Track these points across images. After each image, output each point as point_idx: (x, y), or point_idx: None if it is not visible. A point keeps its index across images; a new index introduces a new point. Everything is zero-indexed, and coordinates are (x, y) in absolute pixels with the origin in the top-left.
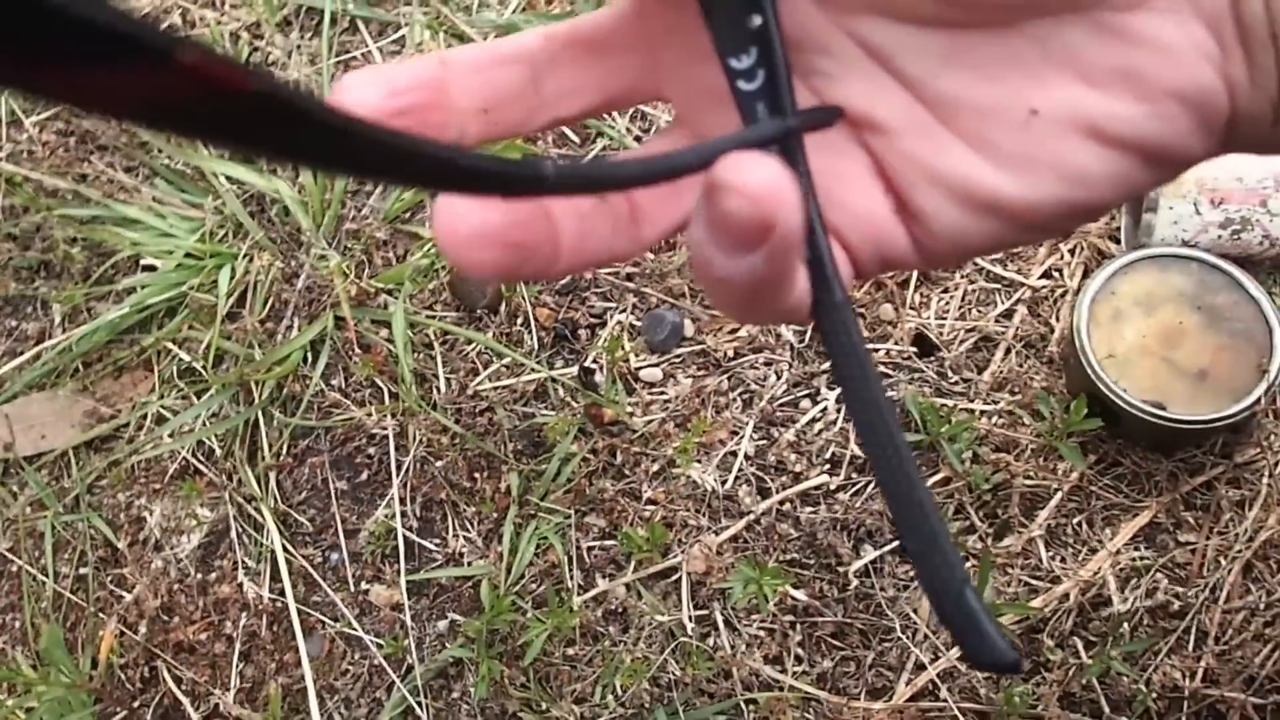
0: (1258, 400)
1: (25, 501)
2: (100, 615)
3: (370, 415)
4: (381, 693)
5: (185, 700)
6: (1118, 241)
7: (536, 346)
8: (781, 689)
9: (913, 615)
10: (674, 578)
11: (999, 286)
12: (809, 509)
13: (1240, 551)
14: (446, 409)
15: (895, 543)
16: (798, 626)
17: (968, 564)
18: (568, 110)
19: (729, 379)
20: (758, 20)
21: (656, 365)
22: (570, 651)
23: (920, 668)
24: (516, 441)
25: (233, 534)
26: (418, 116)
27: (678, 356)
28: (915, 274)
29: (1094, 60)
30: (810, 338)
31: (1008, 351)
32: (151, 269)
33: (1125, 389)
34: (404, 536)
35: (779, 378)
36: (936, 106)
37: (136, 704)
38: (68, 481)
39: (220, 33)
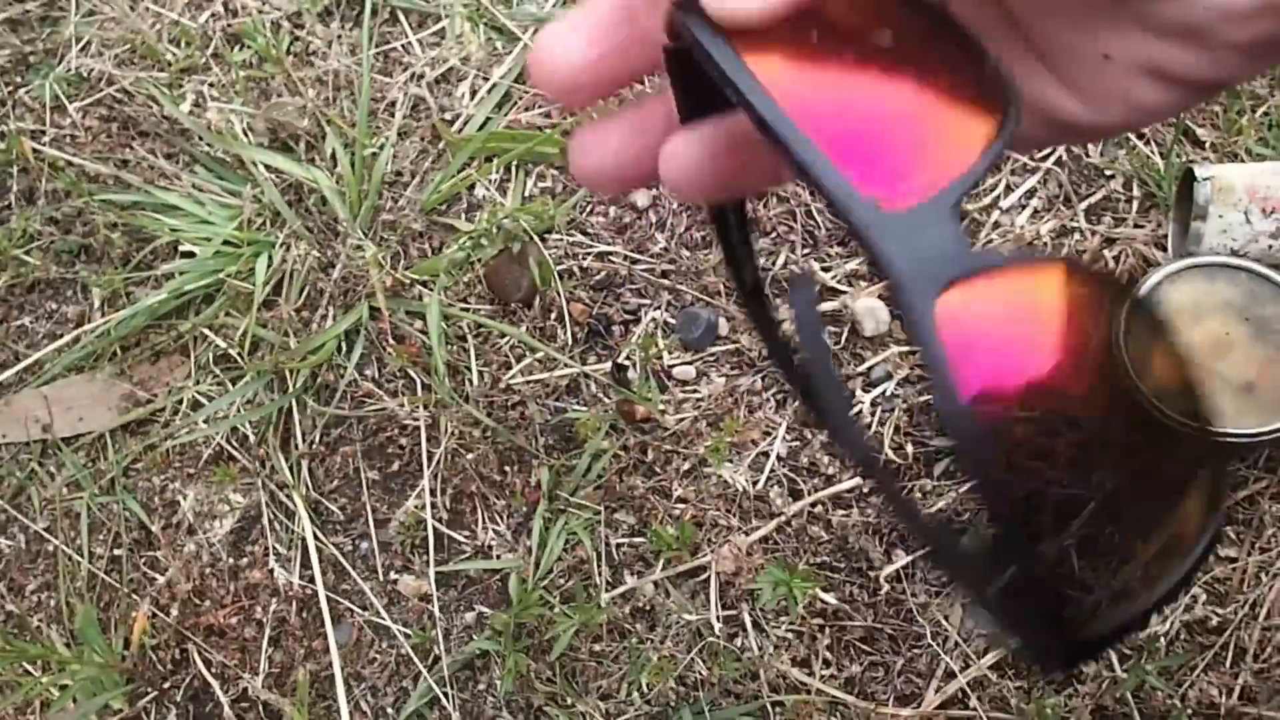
0: None
1: (62, 482)
2: (133, 597)
3: (403, 406)
4: (408, 682)
5: (215, 683)
6: (1164, 249)
7: (570, 342)
8: (809, 692)
9: (944, 622)
10: (703, 577)
11: None
12: (841, 512)
13: None
14: (479, 402)
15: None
16: (827, 630)
17: None
18: None
19: (763, 379)
20: None
21: (690, 363)
22: (597, 648)
23: (950, 675)
24: (548, 436)
25: (264, 520)
26: (621, 56)
27: (711, 355)
28: None
29: (1162, 16)
30: (846, 340)
31: None
32: (190, 255)
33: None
34: (434, 528)
35: None
36: (1033, 43)
37: (167, 685)
38: (104, 464)
39: (261, 22)
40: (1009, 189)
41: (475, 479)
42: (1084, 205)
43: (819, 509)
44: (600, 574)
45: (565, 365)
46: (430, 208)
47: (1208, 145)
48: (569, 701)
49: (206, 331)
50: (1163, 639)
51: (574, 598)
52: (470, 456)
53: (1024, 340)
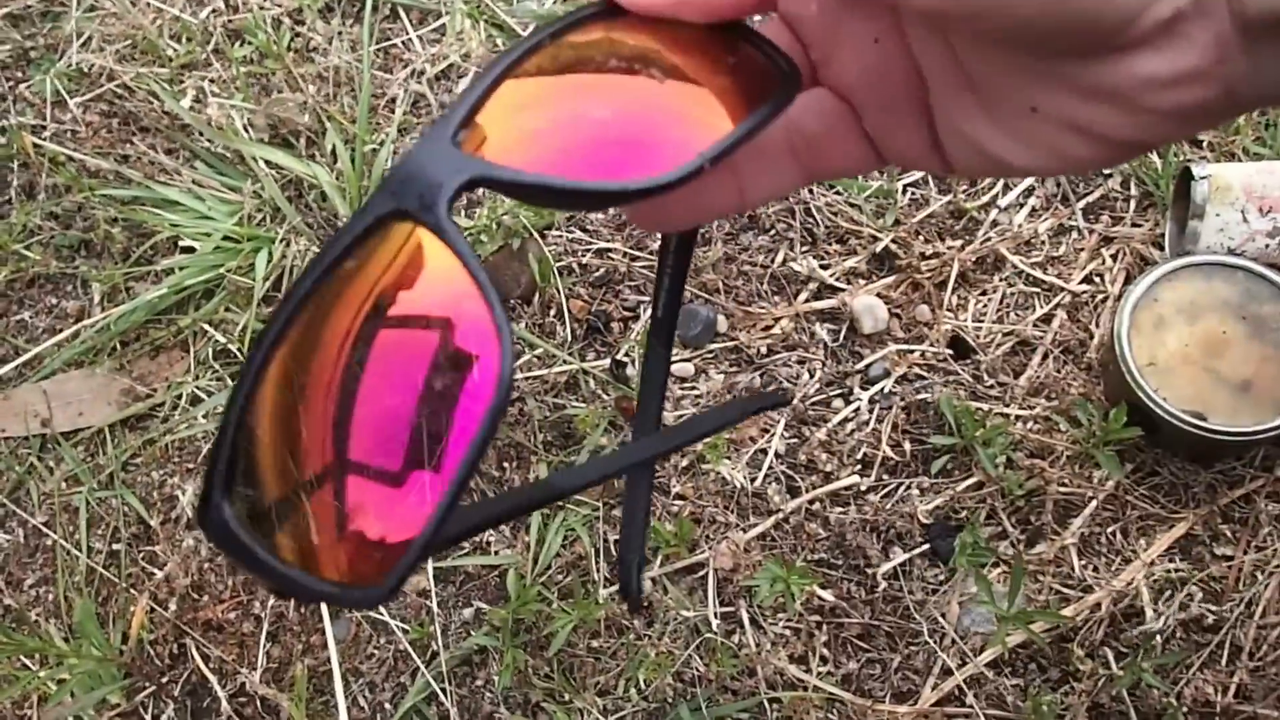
0: None
1: (61, 476)
2: (131, 591)
3: None
4: (406, 678)
5: (213, 678)
6: (1161, 248)
7: (569, 338)
8: (806, 689)
9: (941, 620)
10: (700, 573)
11: (1038, 290)
12: (839, 509)
13: (1278, 567)
14: None
15: (925, 546)
16: (824, 627)
17: (997, 570)
18: None
19: (761, 376)
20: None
21: (689, 360)
22: (594, 644)
23: (947, 673)
24: (546, 432)
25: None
26: None
27: (710, 352)
28: (953, 276)
29: (1085, 80)
30: (845, 337)
31: (1045, 357)
32: (190, 251)
33: (1165, 398)
34: None
35: (812, 376)
36: (974, 85)
37: (165, 679)
38: (103, 458)
39: (262, 18)
40: (1007, 188)
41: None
42: (1081, 204)
43: (817, 506)
44: (598, 570)
45: (564, 362)
46: None
47: (1205, 144)
48: (567, 697)
49: (206, 326)
50: (1159, 637)
51: (572, 594)
52: None
53: None
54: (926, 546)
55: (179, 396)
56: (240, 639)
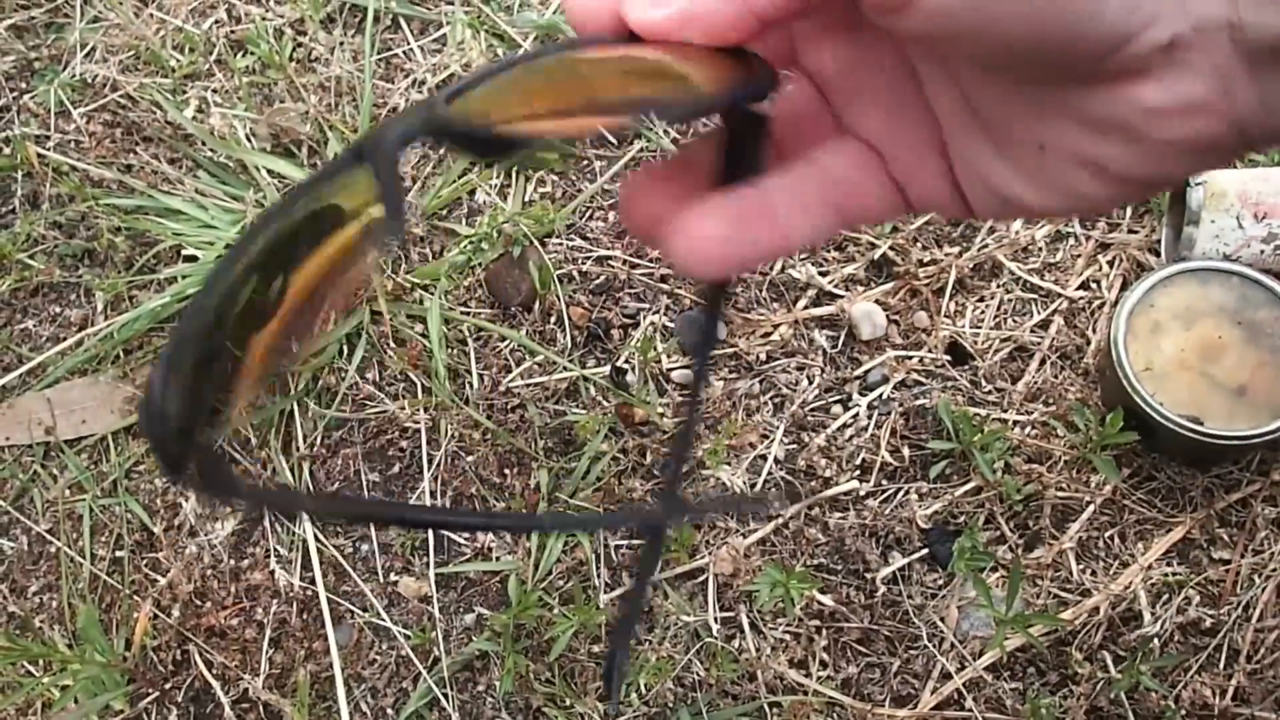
0: None
1: (65, 484)
2: (135, 598)
3: (403, 409)
4: (408, 683)
5: (216, 684)
6: (1157, 254)
7: (569, 345)
8: (806, 693)
9: (940, 624)
10: (701, 579)
11: (1035, 297)
12: (838, 514)
13: (1275, 570)
14: (479, 405)
15: (924, 550)
16: (824, 631)
17: (996, 574)
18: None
19: (760, 382)
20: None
21: (688, 367)
22: (595, 649)
23: (946, 676)
24: (547, 439)
25: (266, 522)
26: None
27: (709, 359)
28: (951, 282)
29: (1097, 114)
30: (843, 344)
31: (1043, 362)
32: (193, 259)
33: (1162, 403)
34: (433, 530)
35: (811, 382)
36: (986, 126)
37: (168, 685)
38: (106, 466)
39: (264, 29)
40: None
41: (475, 481)
42: None
43: (816, 511)
44: (599, 575)
45: (565, 369)
46: (431, 212)
47: None
48: (568, 702)
49: None
50: (1156, 640)
51: (573, 599)
52: (470, 459)
53: None
54: (925, 551)
55: None
56: (243, 645)
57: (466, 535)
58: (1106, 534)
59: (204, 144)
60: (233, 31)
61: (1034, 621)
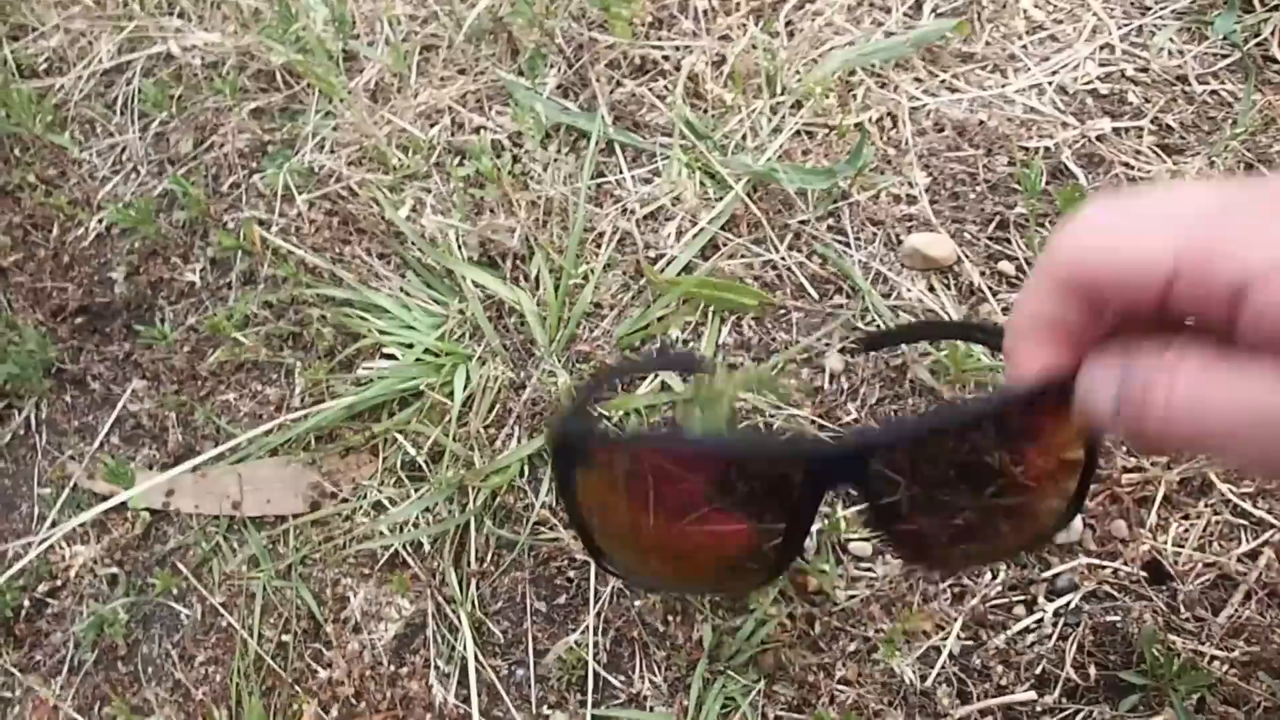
0: None
1: (242, 559)
2: (296, 688)
3: (576, 540)
4: None
5: None
6: None
7: None
8: None
9: None
10: None
11: (1246, 523)
12: None
13: None
14: None
15: None
16: None
17: None
18: None
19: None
20: None
21: (867, 540)
22: None
23: None
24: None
25: (428, 631)
26: None
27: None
28: (1159, 494)
29: None
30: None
31: (1248, 596)
32: (391, 358)
33: None
34: (593, 669)
35: (994, 577)
36: None
37: None
38: (284, 548)
39: (485, 142)
40: None
41: (638, 625)
42: None
43: (989, 718)
44: None
45: None
46: (626, 344)
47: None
48: None
49: (398, 435)
50: None
51: None
52: (637, 602)
53: None
54: None
55: (363, 499)
56: None
57: (622, 679)
58: None
59: (414, 244)
60: (453, 138)
61: None
